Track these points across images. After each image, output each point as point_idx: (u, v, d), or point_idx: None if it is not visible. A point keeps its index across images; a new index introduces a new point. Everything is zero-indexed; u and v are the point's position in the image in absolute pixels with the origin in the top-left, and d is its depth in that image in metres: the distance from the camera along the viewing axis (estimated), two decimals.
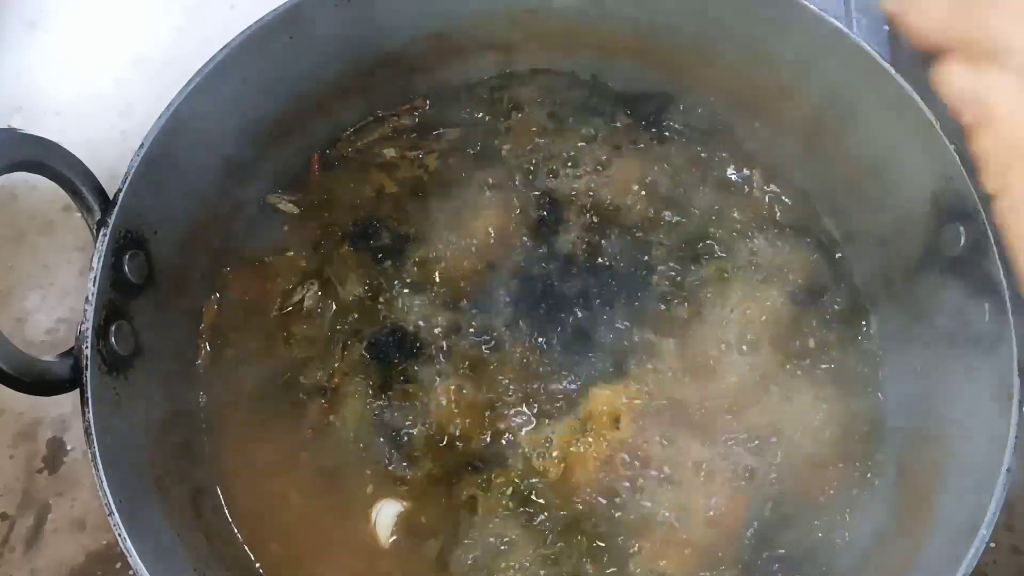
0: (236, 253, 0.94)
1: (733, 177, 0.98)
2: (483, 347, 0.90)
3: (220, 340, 0.91)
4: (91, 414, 0.70)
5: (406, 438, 0.86)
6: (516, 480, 0.85)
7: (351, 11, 0.88)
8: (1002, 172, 0.60)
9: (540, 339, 0.90)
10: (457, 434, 0.86)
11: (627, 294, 0.92)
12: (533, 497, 0.84)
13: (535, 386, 0.88)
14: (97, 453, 0.69)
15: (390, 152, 0.99)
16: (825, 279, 0.94)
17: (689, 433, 0.87)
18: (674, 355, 0.90)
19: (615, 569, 0.82)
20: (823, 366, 0.90)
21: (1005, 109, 0.60)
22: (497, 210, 0.95)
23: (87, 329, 0.71)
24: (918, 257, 0.85)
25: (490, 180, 0.97)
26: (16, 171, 0.70)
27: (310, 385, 0.89)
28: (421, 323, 0.90)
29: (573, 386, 0.88)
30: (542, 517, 0.84)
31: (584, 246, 0.94)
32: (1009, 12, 0.60)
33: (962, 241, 0.78)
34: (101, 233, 0.74)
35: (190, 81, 0.80)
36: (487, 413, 0.87)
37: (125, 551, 0.68)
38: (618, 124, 1.00)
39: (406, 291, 0.92)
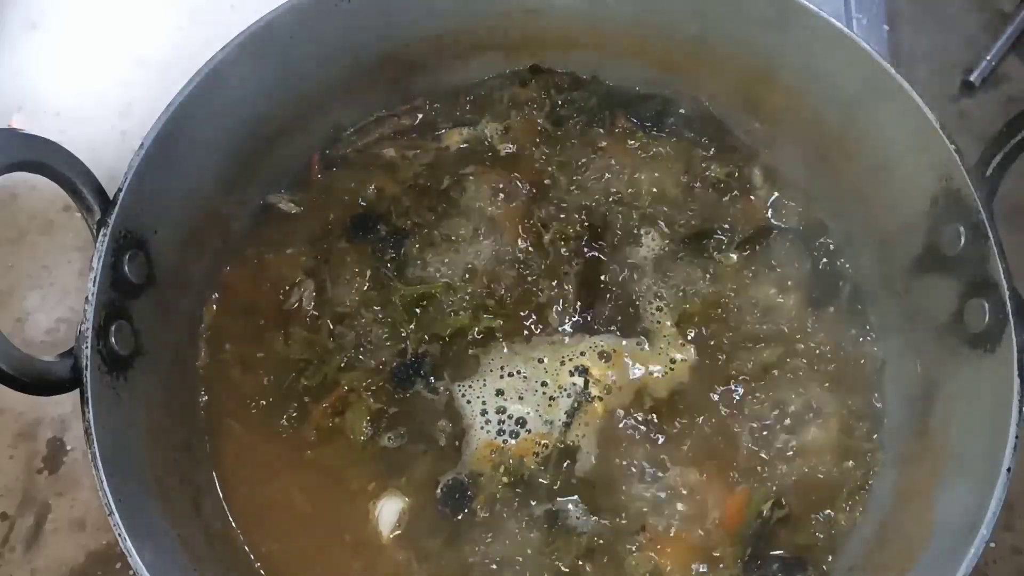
0: (236, 253, 0.94)
1: (733, 177, 0.98)
2: (478, 350, 0.90)
3: (220, 340, 0.91)
4: (91, 414, 0.70)
5: (408, 437, 0.87)
6: (517, 476, 0.85)
7: (351, 11, 0.88)
8: None
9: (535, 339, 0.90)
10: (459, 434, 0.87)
11: (625, 294, 0.92)
12: (533, 494, 0.84)
13: (541, 381, 0.88)
14: (97, 453, 0.69)
15: (390, 152, 1.00)
16: (825, 279, 0.94)
17: (688, 433, 0.87)
18: (671, 356, 0.90)
19: (613, 567, 0.82)
20: (823, 366, 0.90)
21: None
22: (497, 210, 0.95)
23: (87, 329, 0.71)
24: (918, 257, 0.85)
25: (490, 180, 0.97)
26: (16, 171, 0.70)
27: (312, 386, 0.89)
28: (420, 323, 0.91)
29: (572, 387, 0.88)
30: (541, 515, 0.84)
31: (584, 246, 0.94)
32: None
33: (962, 241, 0.78)
34: (101, 233, 0.74)
35: (190, 81, 0.80)
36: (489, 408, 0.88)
37: (125, 551, 0.68)
38: (618, 124, 1.00)
39: (406, 290, 0.92)
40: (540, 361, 0.89)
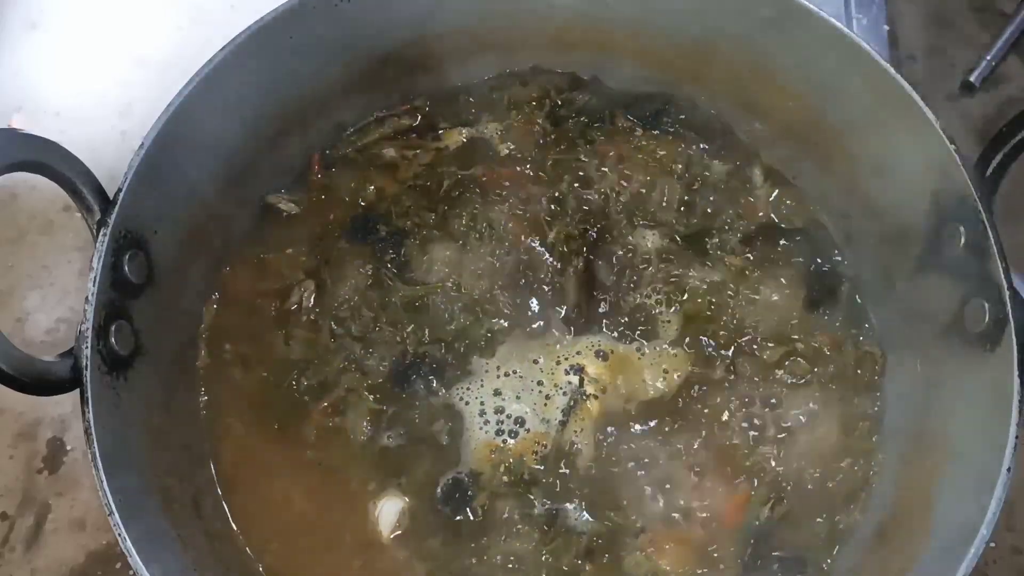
0: (236, 253, 0.94)
1: (733, 178, 0.98)
2: (476, 350, 0.90)
3: (220, 340, 0.91)
4: (91, 414, 0.70)
5: (408, 437, 0.87)
6: (517, 476, 0.85)
7: (351, 11, 0.88)
8: None
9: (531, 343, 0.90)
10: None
11: (625, 293, 0.92)
12: (533, 493, 0.84)
13: (540, 379, 0.88)
14: (97, 453, 0.69)
15: (390, 152, 1.00)
16: (825, 279, 0.94)
17: (688, 433, 0.87)
18: (669, 355, 0.90)
19: (613, 567, 0.82)
20: (823, 366, 0.90)
21: None
22: (497, 210, 0.95)
23: (87, 329, 0.71)
24: (918, 257, 0.85)
25: (490, 180, 0.97)
26: (16, 171, 0.70)
27: (312, 386, 0.89)
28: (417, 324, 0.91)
29: (568, 385, 0.88)
30: (541, 515, 0.84)
31: (584, 246, 0.94)
32: None
33: (962, 241, 0.78)
34: (101, 233, 0.74)
35: (190, 81, 0.80)
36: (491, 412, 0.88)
37: (125, 551, 0.68)
38: (618, 124, 1.00)
39: (406, 290, 0.92)
40: (536, 361, 0.89)
